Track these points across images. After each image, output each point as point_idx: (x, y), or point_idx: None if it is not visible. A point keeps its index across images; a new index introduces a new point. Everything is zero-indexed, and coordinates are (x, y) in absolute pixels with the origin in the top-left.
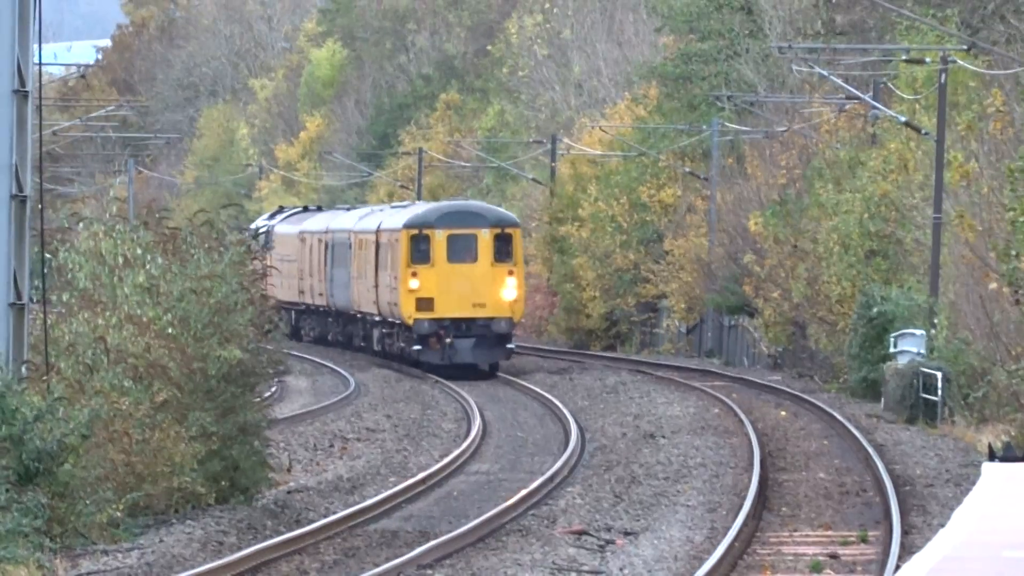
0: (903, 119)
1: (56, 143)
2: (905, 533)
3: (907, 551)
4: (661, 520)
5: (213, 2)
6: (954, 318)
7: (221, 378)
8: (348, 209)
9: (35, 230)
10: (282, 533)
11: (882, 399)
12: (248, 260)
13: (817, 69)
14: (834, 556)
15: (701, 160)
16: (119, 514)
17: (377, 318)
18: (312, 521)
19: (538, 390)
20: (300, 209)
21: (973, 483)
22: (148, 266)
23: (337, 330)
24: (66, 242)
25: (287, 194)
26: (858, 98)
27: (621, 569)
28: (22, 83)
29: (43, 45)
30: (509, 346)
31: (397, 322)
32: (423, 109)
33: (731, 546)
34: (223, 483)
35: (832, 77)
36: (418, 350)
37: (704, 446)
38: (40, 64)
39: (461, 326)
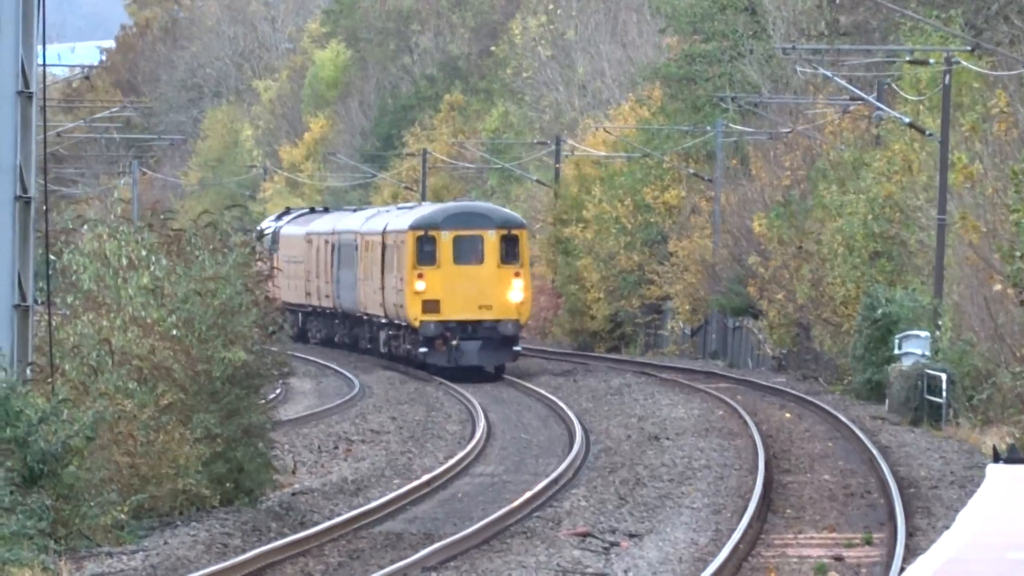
0: (907, 120)
1: (60, 144)
2: (909, 535)
3: (911, 553)
4: (665, 522)
5: (217, 3)
6: (958, 320)
7: (226, 380)
8: (355, 210)
9: (39, 231)
10: (287, 535)
11: (886, 401)
12: (252, 261)
13: (821, 70)
14: (839, 558)
15: (705, 161)
16: (124, 516)
17: (383, 320)
18: (317, 523)
19: (542, 392)
20: (307, 210)
21: (978, 485)
22: (152, 268)
23: (344, 332)
24: (70, 244)
25: (291, 195)
26: (862, 99)
27: (625, 571)
28: (26, 84)
29: (46, 46)
30: (515, 348)
31: (403, 324)
32: (427, 110)
33: (736, 548)
34: (228, 485)
35: (836, 78)
36: (424, 352)
37: (708, 448)
38: (44, 65)
39: (467, 328)
